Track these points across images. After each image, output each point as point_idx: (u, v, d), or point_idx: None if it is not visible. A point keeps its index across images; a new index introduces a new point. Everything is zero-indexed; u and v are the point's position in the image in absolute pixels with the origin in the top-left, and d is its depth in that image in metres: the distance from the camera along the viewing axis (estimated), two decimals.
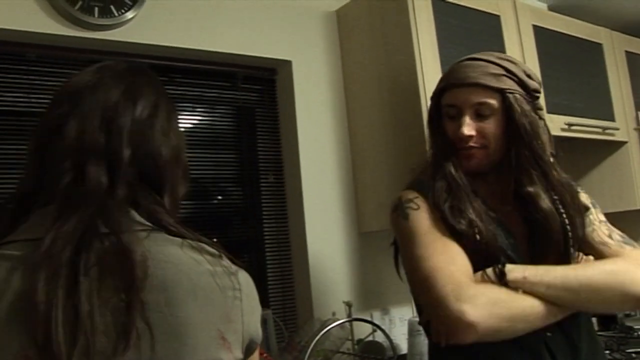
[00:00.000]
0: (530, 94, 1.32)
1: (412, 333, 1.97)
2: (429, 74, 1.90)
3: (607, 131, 2.51)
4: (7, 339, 0.63)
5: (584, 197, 1.35)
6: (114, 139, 0.75)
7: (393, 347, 1.86)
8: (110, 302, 0.65)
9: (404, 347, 2.09)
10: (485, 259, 1.16)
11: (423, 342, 1.92)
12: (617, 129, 2.56)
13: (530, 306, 1.11)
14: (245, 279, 0.77)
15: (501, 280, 1.12)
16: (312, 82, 2.14)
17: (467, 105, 1.29)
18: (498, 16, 2.17)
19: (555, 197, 1.25)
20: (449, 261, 1.15)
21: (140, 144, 0.77)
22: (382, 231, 2.12)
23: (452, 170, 1.29)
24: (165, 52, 1.89)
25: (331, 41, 2.22)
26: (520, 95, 1.29)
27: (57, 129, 0.75)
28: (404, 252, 1.27)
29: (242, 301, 0.75)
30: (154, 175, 0.78)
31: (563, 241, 1.22)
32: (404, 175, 1.93)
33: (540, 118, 1.33)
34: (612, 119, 2.57)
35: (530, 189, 1.25)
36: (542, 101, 1.41)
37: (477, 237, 1.19)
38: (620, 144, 2.65)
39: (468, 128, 1.28)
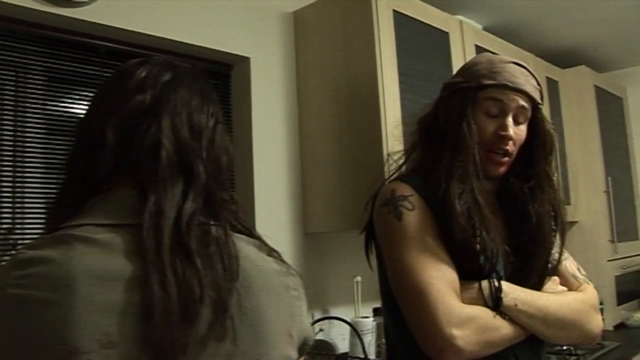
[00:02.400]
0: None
1: (352, 333, 2.02)
2: (388, 84, 1.97)
3: None
4: (128, 328, 0.62)
5: None
6: (194, 138, 0.76)
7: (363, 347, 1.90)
8: (210, 292, 0.66)
9: (341, 347, 2.14)
10: (478, 266, 1.18)
11: (370, 342, 1.99)
12: None
13: (510, 333, 1.17)
14: (300, 281, 0.80)
15: (496, 305, 1.15)
16: (268, 81, 2.15)
17: (512, 108, 1.27)
18: (447, 33, 2.28)
19: (553, 214, 1.30)
20: (440, 277, 1.14)
21: (211, 147, 0.78)
22: (326, 233, 2.16)
23: (474, 171, 1.24)
24: (127, 37, 1.83)
25: (287, 42, 2.24)
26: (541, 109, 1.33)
27: (143, 117, 0.74)
28: (391, 254, 1.23)
29: (301, 301, 0.78)
30: (216, 178, 0.78)
31: (546, 262, 1.28)
32: (353, 181, 2.00)
33: None
34: None
35: (542, 206, 1.28)
36: None
37: (478, 246, 1.18)
38: None
39: (512, 130, 1.26)
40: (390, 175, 1.42)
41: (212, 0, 2.00)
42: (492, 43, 2.58)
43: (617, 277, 3.10)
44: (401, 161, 1.43)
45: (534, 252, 1.27)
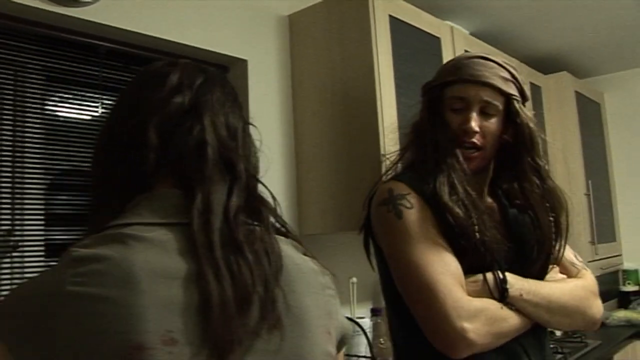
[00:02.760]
0: (524, 102, 1.36)
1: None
2: (385, 87, 2.00)
3: None
4: (188, 324, 0.63)
5: None
6: (231, 138, 0.78)
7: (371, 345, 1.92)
8: (259, 286, 0.68)
9: None
10: (479, 258, 1.20)
11: (362, 342, 2.01)
12: None
13: (518, 323, 1.20)
14: (332, 280, 0.81)
15: (502, 297, 1.18)
16: (264, 83, 2.16)
17: (475, 101, 1.29)
18: (439, 38, 2.33)
19: (548, 205, 1.32)
20: (445, 271, 1.16)
21: (244, 147, 0.80)
22: (322, 234, 2.18)
23: (457, 165, 1.27)
24: (126, 37, 1.82)
25: (283, 44, 2.25)
26: (521, 101, 1.33)
27: (184, 118, 0.76)
28: (394, 252, 1.25)
29: (336, 299, 0.80)
30: (253, 176, 0.80)
31: (547, 254, 1.31)
32: (348, 183, 2.02)
33: None
34: None
35: (534, 199, 1.30)
36: None
37: (477, 235, 1.20)
38: None
39: (475, 122, 1.28)
40: (386, 174, 1.43)
41: (210, 2, 2.01)
42: (481, 48, 2.63)
43: (596, 277, 3.17)
44: (395, 160, 1.44)
45: (533, 245, 1.29)
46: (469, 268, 1.21)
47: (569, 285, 1.30)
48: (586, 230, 3.16)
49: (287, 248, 0.76)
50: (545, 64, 3.42)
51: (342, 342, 0.81)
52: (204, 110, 0.77)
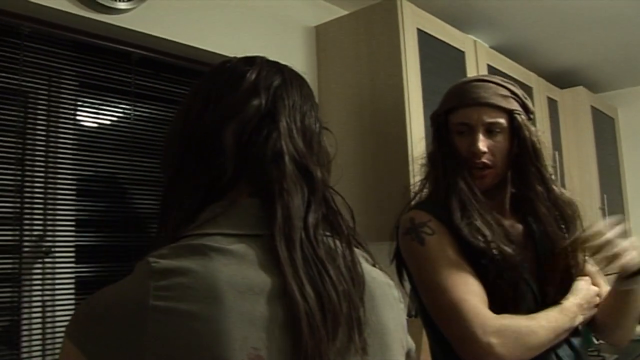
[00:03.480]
0: (528, 115, 1.39)
1: None
2: (414, 99, 2.01)
3: None
4: (275, 342, 0.62)
5: None
6: (307, 143, 0.75)
7: None
8: (344, 303, 0.66)
9: None
10: (504, 276, 1.23)
11: None
12: None
13: (549, 334, 1.21)
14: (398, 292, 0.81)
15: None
16: None
17: (479, 123, 1.33)
18: (463, 52, 2.34)
19: (557, 213, 1.34)
20: (469, 292, 1.20)
21: (320, 151, 0.78)
22: None
23: (465, 187, 1.31)
24: (159, 45, 1.83)
25: (309, 56, 2.26)
26: (524, 115, 1.36)
27: (261, 123, 0.73)
28: (421, 277, 1.29)
29: (405, 312, 0.79)
30: (328, 184, 0.78)
31: (565, 263, 1.31)
32: (376, 196, 2.02)
33: None
34: None
35: (541, 210, 1.33)
36: None
37: (495, 252, 1.23)
38: None
39: (482, 144, 1.32)
40: (408, 204, 1.46)
41: (239, 12, 2.02)
42: (502, 62, 2.65)
43: None
44: (417, 190, 1.48)
45: (548, 257, 1.31)
46: (501, 282, 1.23)
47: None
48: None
49: (363, 262, 0.74)
50: (562, 79, 3.44)
51: (408, 357, 0.80)
52: (281, 115, 0.74)
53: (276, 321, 0.62)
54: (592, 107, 3.33)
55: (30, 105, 1.63)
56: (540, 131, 1.45)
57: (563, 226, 1.34)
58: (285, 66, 0.83)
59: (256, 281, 0.63)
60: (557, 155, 3.01)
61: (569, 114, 3.26)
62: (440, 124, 1.41)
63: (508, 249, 1.25)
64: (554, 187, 1.37)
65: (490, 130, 1.34)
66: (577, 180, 3.21)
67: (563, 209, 1.34)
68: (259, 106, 0.74)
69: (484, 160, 1.32)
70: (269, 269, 0.65)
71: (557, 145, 3.09)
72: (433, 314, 1.27)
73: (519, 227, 1.37)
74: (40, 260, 1.58)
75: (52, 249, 1.60)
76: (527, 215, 1.37)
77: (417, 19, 2.10)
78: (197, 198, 0.72)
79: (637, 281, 1.23)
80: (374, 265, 0.78)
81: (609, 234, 1.20)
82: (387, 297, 0.75)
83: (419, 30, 2.09)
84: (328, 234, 0.71)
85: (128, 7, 1.69)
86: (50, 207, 1.62)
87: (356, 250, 0.75)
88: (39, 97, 1.64)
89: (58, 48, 1.67)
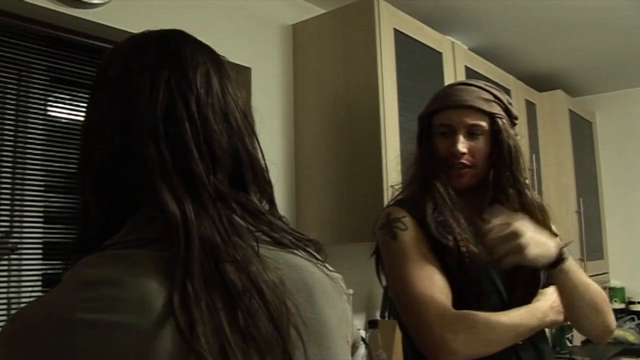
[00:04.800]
0: (512, 120, 1.44)
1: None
2: (389, 100, 2.01)
3: None
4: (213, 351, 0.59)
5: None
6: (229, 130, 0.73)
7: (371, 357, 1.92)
8: (258, 314, 0.63)
9: None
10: (468, 275, 1.27)
11: (359, 353, 2.00)
12: None
13: (509, 332, 1.22)
14: (344, 284, 0.79)
15: (560, 260, 1.26)
16: (267, 92, 2.16)
17: (461, 125, 1.37)
18: (441, 53, 2.35)
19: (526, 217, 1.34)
20: (433, 286, 1.24)
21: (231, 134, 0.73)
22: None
23: (441, 187, 1.35)
24: None
25: (286, 54, 2.25)
26: (505, 120, 1.40)
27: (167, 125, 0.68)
28: (390, 271, 1.34)
29: (350, 305, 0.78)
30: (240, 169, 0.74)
31: (530, 270, 1.32)
32: (348, 194, 2.02)
33: None
34: None
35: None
36: None
37: (464, 251, 1.27)
38: None
39: (462, 145, 1.36)
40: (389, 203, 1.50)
41: (216, 10, 2.01)
42: (480, 64, 2.66)
43: None
44: (401, 190, 1.52)
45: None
46: (466, 280, 1.27)
47: (600, 290, 1.34)
48: (576, 248, 3.19)
49: (293, 257, 0.71)
50: (541, 82, 3.46)
51: (353, 349, 0.78)
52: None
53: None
54: (570, 111, 3.36)
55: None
56: (520, 136, 1.48)
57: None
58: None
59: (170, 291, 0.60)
60: (534, 158, 3.03)
61: (547, 117, 3.28)
62: (424, 125, 1.46)
63: (475, 249, 1.29)
64: (527, 191, 1.39)
65: (472, 133, 1.38)
66: (553, 183, 3.23)
67: (532, 213, 1.36)
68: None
69: (463, 161, 1.36)
70: (164, 277, 0.61)
71: (534, 148, 3.11)
72: (398, 307, 1.31)
73: None
74: (6, 257, 1.56)
75: (19, 246, 1.58)
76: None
77: (394, 19, 2.10)
78: (120, 204, 0.69)
79: (560, 270, 1.27)
80: (317, 260, 0.75)
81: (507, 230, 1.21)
82: (328, 291, 0.72)
83: (395, 30, 2.09)
84: (251, 228, 0.68)
85: (100, 1, 1.67)
86: (17, 202, 1.60)
87: (293, 248, 0.72)
88: (8, 91, 1.62)
89: (29, 42, 1.64)
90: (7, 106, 1.61)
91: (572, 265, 1.29)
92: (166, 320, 0.58)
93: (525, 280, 1.34)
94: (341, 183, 2.07)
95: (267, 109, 2.15)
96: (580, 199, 3.25)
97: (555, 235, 1.39)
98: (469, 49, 2.85)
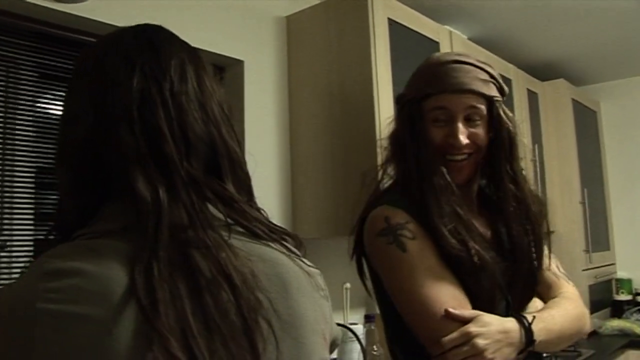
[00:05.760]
0: (503, 97, 1.30)
1: (344, 340, 2.02)
2: (383, 91, 1.98)
3: None
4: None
5: None
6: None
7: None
8: (226, 304, 0.61)
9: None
10: (482, 284, 1.17)
11: (355, 349, 1.98)
12: (520, 158, 2.81)
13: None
14: (323, 280, 0.77)
15: (527, 346, 1.13)
16: (261, 85, 2.13)
17: (459, 110, 1.22)
18: (438, 43, 2.31)
19: (523, 212, 1.26)
20: (459, 304, 1.13)
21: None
22: (316, 239, 2.16)
23: (443, 183, 1.21)
24: None
25: (280, 46, 2.23)
26: (501, 102, 1.27)
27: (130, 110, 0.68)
28: (400, 284, 1.18)
29: (329, 301, 0.76)
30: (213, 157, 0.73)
31: (530, 262, 1.27)
32: (344, 187, 1.99)
33: None
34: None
35: (508, 209, 1.25)
36: None
37: (475, 260, 1.16)
38: None
39: (463, 135, 1.22)
40: (374, 192, 1.36)
41: (206, 1, 1.98)
42: (478, 54, 2.61)
43: (590, 286, 3.18)
44: (379, 178, 1.38)
45: (514, 257, 1.24)
46: (479, 289, 1.17)
47: (569, 312, 1.25)
48: (581, 239, 3.15)
49: (268, 251, 0.70)
50: (543, 71, 3.41)
51: (332, 346, 0.77)
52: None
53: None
54: (574, 100, 3.31)
55: None
56: (519, 121, 1.35)
57: (528, 227, 1.27)
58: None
59: (138, 282, 0.59)
60: (537, 148, 2.99)
61: (550, 106, 3.24)
62: (413, 109, 1.27)
63: (487, 256, 1.17)
64: (525, 184, 1.29)
65: (470, 119, 1.23)
66: (557, 174, 3.19)
67: (530, 208, 1.27)
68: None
69: (464, 151, 1.23)
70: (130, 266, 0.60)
71: (537, 138, 3.07)
72: (412, 323, 1.17)
73: (487, 230, 1.28)
74: None
75: (8, 243, 1.57)
76: (493, 212, 1.29)
77: (388, 9, 2.06)
78: (94, 194, 0.68)
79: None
80: (294, 254, 0.73)
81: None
82: (304, 286, 0.70)
83: (390, 20, 2.06)
84: (219, 218, 0.67)
85: None
86: (7, 199, 1.59)
87: (267, 241, 0.71)
88: None
89: (17, 38, 1.63)
90: None
91: (540, 324, 1.16)
92: (127, 305, 0.57)
93: (524, 281, 1.26)
94: (337, 176, 2.04)
95: (261, 102, 2.13)
96: (585, 190, 3.21)
97: (548, 232, 1.32)
98: (469, 39, 2.82)
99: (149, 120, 0.67)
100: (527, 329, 1.13)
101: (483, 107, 1.24)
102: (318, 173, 2.10)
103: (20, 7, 1.57)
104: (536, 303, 1.29)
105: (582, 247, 3.14)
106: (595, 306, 3.20)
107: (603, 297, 3.36)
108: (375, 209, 1.25)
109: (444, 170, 1.22)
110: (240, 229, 0.69)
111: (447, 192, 1.21)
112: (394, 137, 1.33)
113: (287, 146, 2.20)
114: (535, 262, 1.28)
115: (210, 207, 0.67)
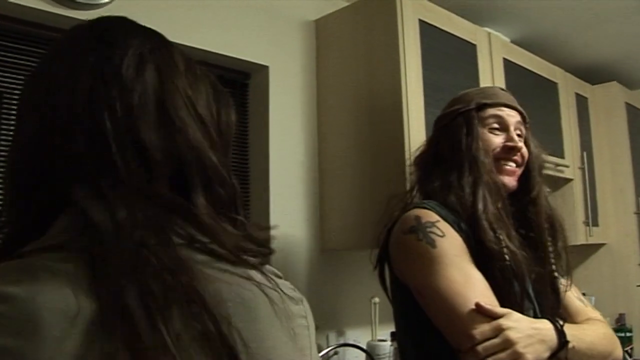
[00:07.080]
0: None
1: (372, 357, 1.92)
2: (413, 96, 1.87)
3: (558, 168, 2.59)
4: None
5: None
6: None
7: None
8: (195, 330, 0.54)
9: None
10: (512, 287, 1.17)
11: None
12: (566, 166, 2.65)
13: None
14: (308, 306, 0.68)
15: (560, 348, 1.12)
16: (287, 91, 2.06)
17: (512, 122, 1.35)
18: (475, 45, 2.18)
19: (548, 226, 1.33)
20: (491, 301, 1.12)
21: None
22: (344, 250, 2.07)
23: (491, 181, 1.27)
24: None
25: (308, 51, 2.15)
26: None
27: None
28: (429, 281, 1.15)
29: (309, 330, 0.66)
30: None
31: (551, 272, 1.30)
32: (373, 197, 1.90)
33: None
34: (562, 156, 2.66)
35: (536, 220, 1.33)
36: None
37: (507, 258, 1.17)
38: (567, 180, 2.75)
39: (519, 139, 1.35)
40: (405, 206, 1.36)
41: (230, 6, 1.92)
42: (521, 57, 2.48)
43: None
44: (412, 192, 1.44)
45: (539, 272, 1.27)
46: (508, 292, 1.17)
47: (600, 330, 1.28)
48: (635, 252, 2.94)
49: (227, 276, 0.60)
50: (593, 74, 3.21)
51: None
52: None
53: (109, 357, 0.49)
54: (627, 104, 3.10)
55: (4, 104, 1.58)
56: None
57: (550, 239, 1.32)
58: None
59: (83, 306, 0.50)
60: (585, 156, 2.81)
61: (601, 111, 3.05)
62: (469, 117, 1.35)
63: (519, 254, 1.19)
64: (548, 199, 1.38)
65: (518, 135, 1.36)
66: (609, 183, 2.99)
67: (555, 229, 1.33)
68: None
69: (517, 158, 1.33)
70: (90, 292, 0.52)
71: (586, 145, 2.89)
72: (438, 321, 1.15)
73: (519, 235, 1.29)
74: None
75: None
76: (520, 225, 1.32)
77: (419, 10, 1.96)
78: (44, 205, 0.60)
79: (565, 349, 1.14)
80: (269, 278, 0.64)
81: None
82: (275, 313, 0.61)
83: (420, 21, 1.95)
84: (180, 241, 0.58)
85: (103, 1, 1.61)
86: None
87: (239, 259, 0.62)
88: (14, 96, 1.58)
89: (33, 47, 1.61)
90: (12, 111, 1.58)
91: (571, 331, 1.16)
92: (66, 339, 0.48)
93: (549, 288, 1.28)
94: (366, 186, 1.94)
95: (287, 109, 2.05)
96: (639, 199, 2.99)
97: (566, 249, 1.34)
98: (512, 41, 2.67)
99: (93, 126, 0.59)
100: (560, 330, 1.13)
101: (524, 128, 1.39)
102: (346, 182, 2.01)
103: (32, 14, 1.55)
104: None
105: (637, 261, 2.93)
106: None
107: None
108: (408, 212, 1.26)
109: (496, 173, 1.31)
110: (200, 246, 0.60)
111: (498, 193, 1.26)
112: (425, 158, 1.41)
113: (315, 154, 2.12)
114: (555, 273, 1.31)
115: (169, 224, 0.59)
